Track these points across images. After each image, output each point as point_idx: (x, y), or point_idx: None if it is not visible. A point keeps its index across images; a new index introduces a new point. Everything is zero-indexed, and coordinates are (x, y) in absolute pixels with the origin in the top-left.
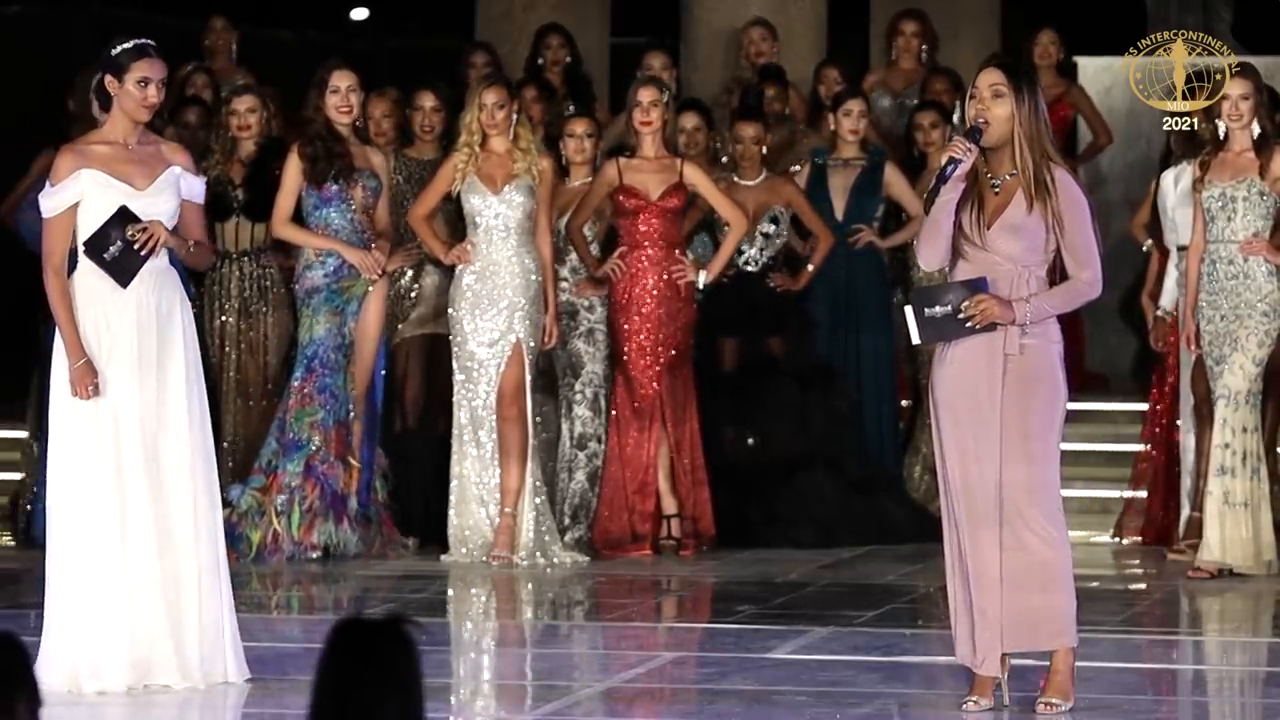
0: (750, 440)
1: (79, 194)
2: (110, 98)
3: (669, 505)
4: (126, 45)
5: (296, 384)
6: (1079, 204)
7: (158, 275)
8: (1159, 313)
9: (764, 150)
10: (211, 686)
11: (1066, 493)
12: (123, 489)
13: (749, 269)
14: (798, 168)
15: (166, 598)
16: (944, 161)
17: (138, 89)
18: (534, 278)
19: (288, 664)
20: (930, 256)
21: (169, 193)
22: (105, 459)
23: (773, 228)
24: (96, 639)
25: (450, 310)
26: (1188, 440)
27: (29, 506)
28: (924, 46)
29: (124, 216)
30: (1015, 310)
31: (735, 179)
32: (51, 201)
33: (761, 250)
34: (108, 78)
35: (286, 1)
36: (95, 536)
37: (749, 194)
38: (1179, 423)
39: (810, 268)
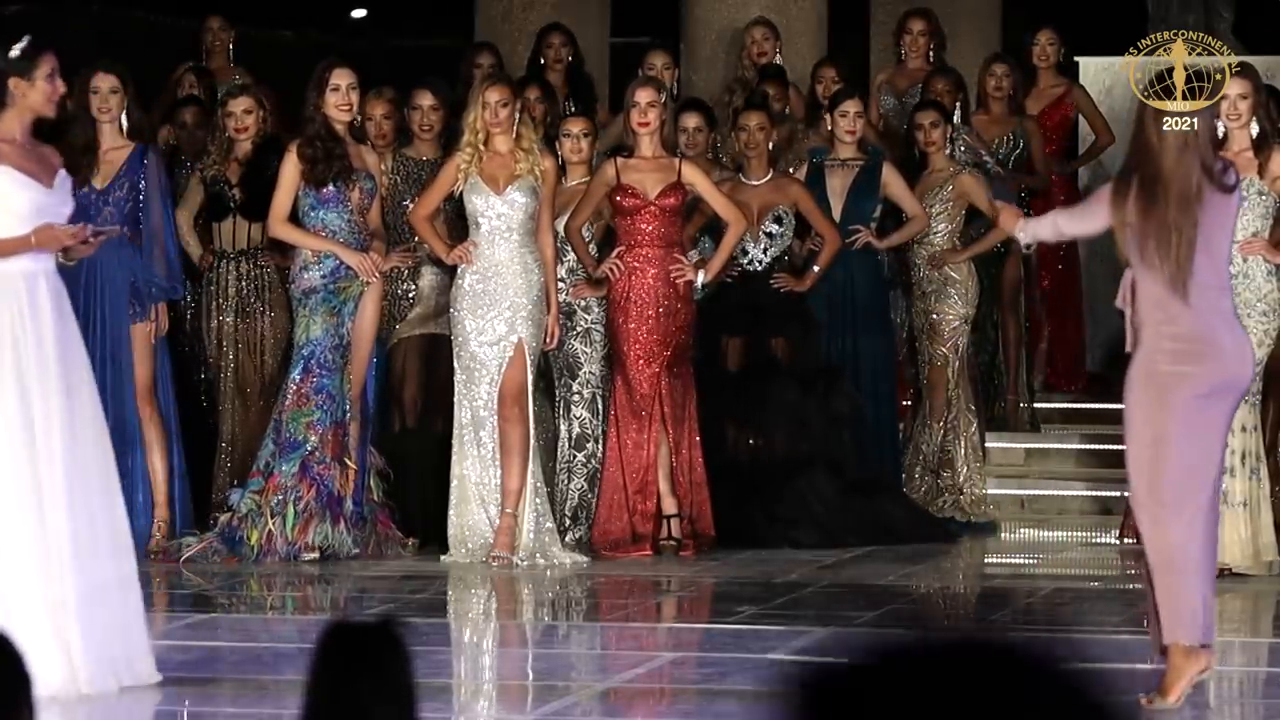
0: (751, 441)
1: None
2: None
3: (669, 505)
4: (23, 45)
5: (293, 385)
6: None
7: (29, 278)
8: None
9: (771, 143)
10: (106, 694)
11: (1066, 492)
12: None
13: (753, 269)
14: (794, 168)
15: (37, 607)
16: None
17: (48, 84)
18: (536, 278)
19: (284, 664)
20: None
21: (67, 193)
22: None
23: (776, 228)
24: None
25: (452, 310)
26: None
27: None
28: (931, 45)
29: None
30: None
31: (741, 178)
32: None
33: (765, 250)
34: (12, 80)
35: (286, 1)
36: None
37: (754, 193)
38: None
39: (816, 269)
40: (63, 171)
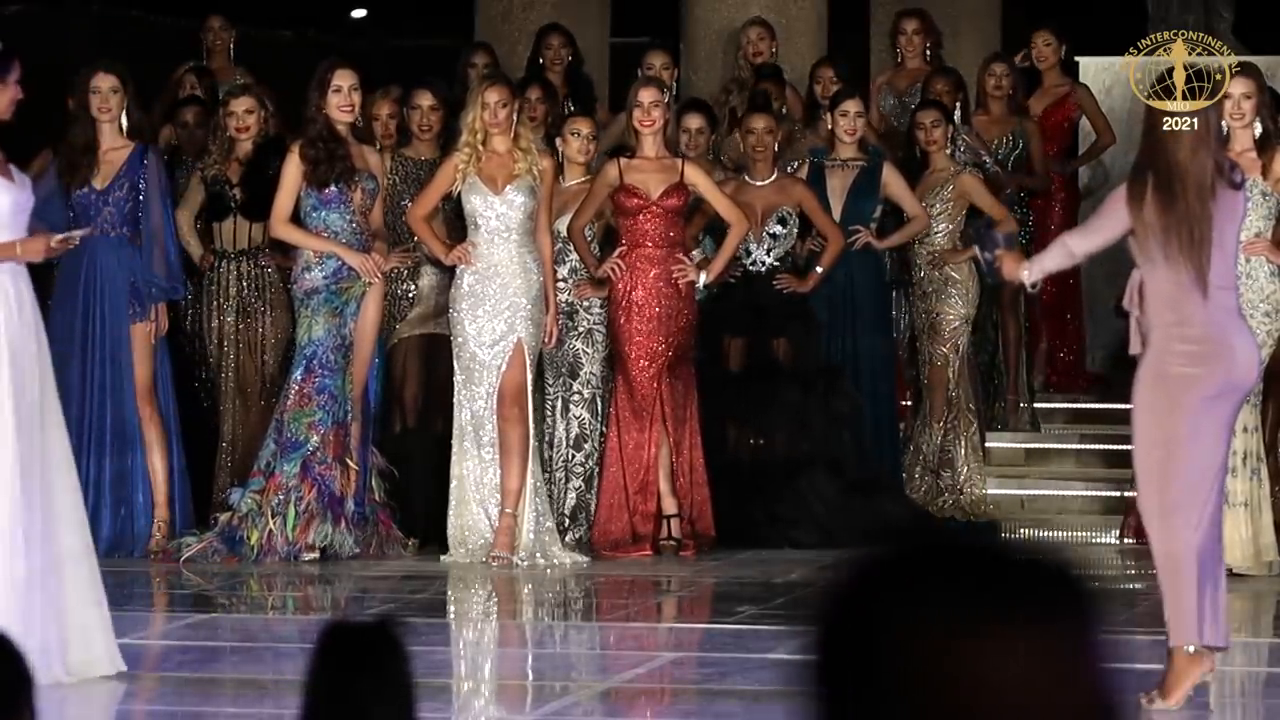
0: (752, 441)
1: None
2: None
3: (669, 505)
4: None
5: (295, 385)
6: None
7: (13, 274)
8: None
9: (777, 145)
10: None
11: (1066, 492)
12: None
13: (756, 270)
14: (793, 167)
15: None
16: None
17: (15, 89)
18: (535, 278)
19: (284, 664)
20: None
21: (27, 183)
22: None
23: (780, 229)
24: None
25: (451, 311)
26: None
27: None
28: (927, 44)
29: None
30: None
31: (745, 179)
32: None
33: (769, 251)
34: None
35: (286, 1)
36: None
37: (758, 194)
38: None
39: (819, 269)
40: (13, 166)
